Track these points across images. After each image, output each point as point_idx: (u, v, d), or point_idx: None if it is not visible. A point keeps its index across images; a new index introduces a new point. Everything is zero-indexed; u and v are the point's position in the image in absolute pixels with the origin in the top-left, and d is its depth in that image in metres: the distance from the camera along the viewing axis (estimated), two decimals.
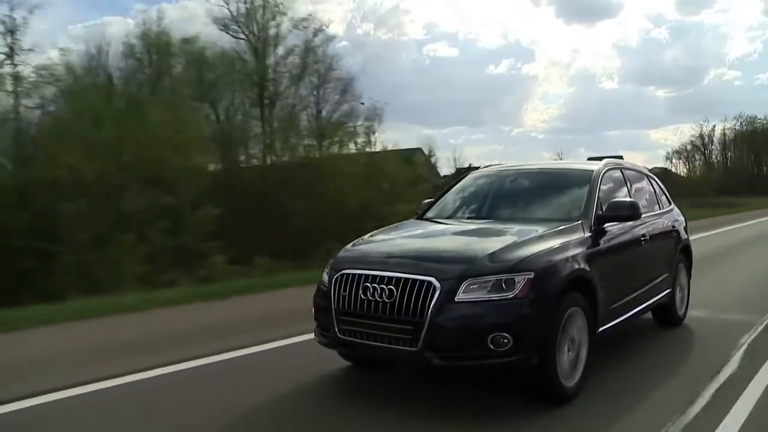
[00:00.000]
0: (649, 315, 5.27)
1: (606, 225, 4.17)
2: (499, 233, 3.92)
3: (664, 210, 5.56)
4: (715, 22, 65.35)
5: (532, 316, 3.27)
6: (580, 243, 3.80)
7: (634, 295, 4.51)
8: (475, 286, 3.27)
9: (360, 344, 3.53)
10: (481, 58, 55.86)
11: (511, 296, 3.24)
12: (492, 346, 3.19)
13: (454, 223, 4.51)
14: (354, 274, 3.58)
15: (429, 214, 4.83)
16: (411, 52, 46.28)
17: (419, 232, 4.31)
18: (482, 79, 44.76)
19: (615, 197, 4.51)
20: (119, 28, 33.72)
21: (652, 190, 5.54)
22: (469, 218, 4.56)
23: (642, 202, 5.04)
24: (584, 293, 3.68)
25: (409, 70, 45.65)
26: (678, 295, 5.52)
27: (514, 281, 3.26)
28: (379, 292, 3.42)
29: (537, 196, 4.60)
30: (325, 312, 3.71)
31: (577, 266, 3.62)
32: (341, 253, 3.97)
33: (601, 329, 3.93)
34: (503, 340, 3.19)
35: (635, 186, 5.09)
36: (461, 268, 3.33)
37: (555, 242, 3.64)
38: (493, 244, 3.57)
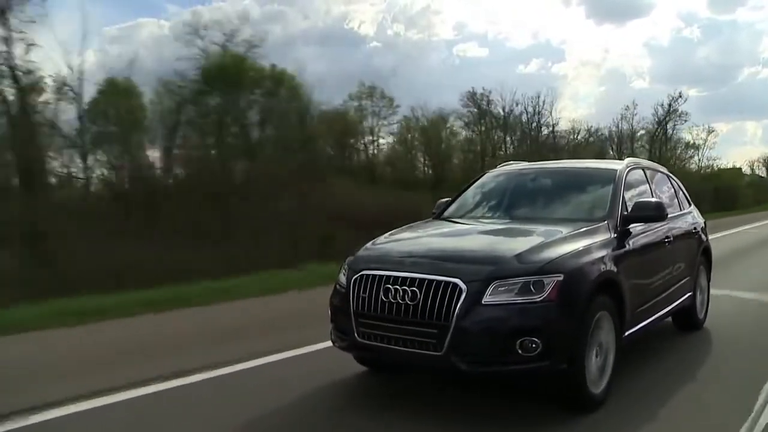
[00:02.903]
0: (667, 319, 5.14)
1: (630, 226, 4.05)
2: (524, 234, 3.79)
3: (685, 211, 5.44)
4: (749, 20, 64.51)
5: (562, 320, 3.14)
6: (607, 244, 3.68)
7: (659, 298, 4.39)
8: (502, 289, 3.14)
9: (381, 348, 3.39)
10: (510, 58, 55.87)
11: (540, 299, 3.11)
12: (520, 351, 3.07)
13: (475, 223, 4.38)
14: (374, 275, 3.44)
15: (446, 214, 4.70)
16: (441, 52, 46.40)
17: (441, 231, 4.19)
18: (512, 79, 44.76)
19: (638, 197, 4.39)
20: (152, 30, 34.06)
21: (673, 190, 5.42)
22: (489, 218, 4.43)
23: (664, 203, 4.94)
24: (612, 296, 3.55)
25: (439, 70, 45.69)
26: (698, 298, 5.40)
27: (543, 283, 3.14)
28: (401, 294, 3.29)
29: (559, 195, 4.47)
30: (342, 314, 3.58)
31: (605, 268, 3.50)
32: (360, 253, 3.83)
33: (627, 333, 3.81)
34: (532, 345, 3.06)
35: (657, 186, 4.98)
36: (488, 269, 3.21)
37: (582, 243, 3.52)
38: (520, 245, 3.44)
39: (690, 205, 5.73)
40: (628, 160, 4.75)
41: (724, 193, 34.40)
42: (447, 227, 4.30)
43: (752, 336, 5.23)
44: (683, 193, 5.70)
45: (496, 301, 3.12)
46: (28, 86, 13.60)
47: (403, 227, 4.40)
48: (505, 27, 59.22)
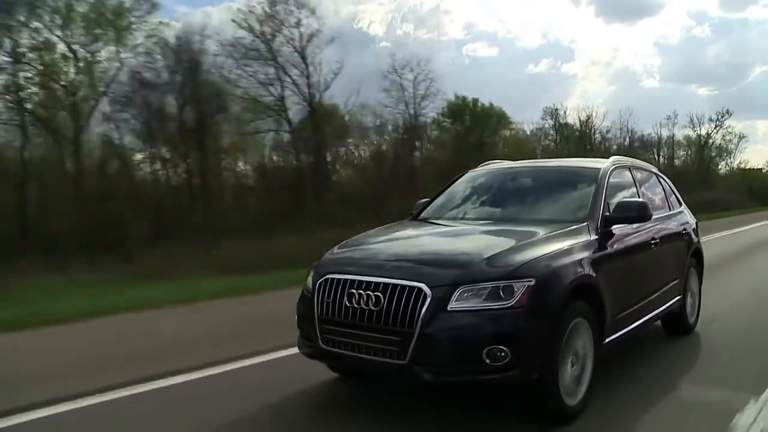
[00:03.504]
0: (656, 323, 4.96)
1: (614, 227, 3.86)
2: (497, 235, 3.61)
3: (675, 211, 5.25)
4: (761, 18, 64.30)
5: (533, 327, 2.96)
6: (586, 246, 3.50)
7: (645, 302, 4.20)
8: (469, 294, 2.96)
9: (344, 356, 3.23)
10: (520, 58, 55.90)
11: (509, 305, 2.93)
12: (488, 360, 2.89)
13: (450, 224, 4.20)
14: (339, 279, 3.28)
15: (424, 215, 4.52)
16: (451, 51, 46.30)
17: (412, 233, 4.01)
18: (522, 78, 44.68)
19: (623, 197, 4.21)
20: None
21: (662, 190, 5.23)
22: (466, 219, 4.25)
23: (651, 203, 4.75)
24: (590, 302, 3.37)
25: (449, 69, 45.66)
26: (689, 301, 5.21)
27: (513, 288, 2.96)
28: (365, 299, 3.12)
29: (539, 195, 4.28)
30: (308, 320, 3.42)
31: (582, 272, 3.32)
32: (326, 256, 3.68)
33: (608, 340, 3.63)
34: (500, 354, 2.89)
35: (644, 185, 4.79)
36: (455, 273, 3.03)
37: (558, 245, 3.34)
38: (491, 248, 3.25)
39: (681, 205, 5.54)
40: (613, 158, 4.56)
41: (759, 192, 41.01)
42: (420, 229, 4.12)
43: (747, 340, 5.04)
44: (674, 193, 5.52)
45: (463, 307, 2.94)
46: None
47: (378, 228, 4.23)
48: (515, 26, 59.29)
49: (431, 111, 25.82)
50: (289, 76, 19.98)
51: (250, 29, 19.27)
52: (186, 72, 17.66)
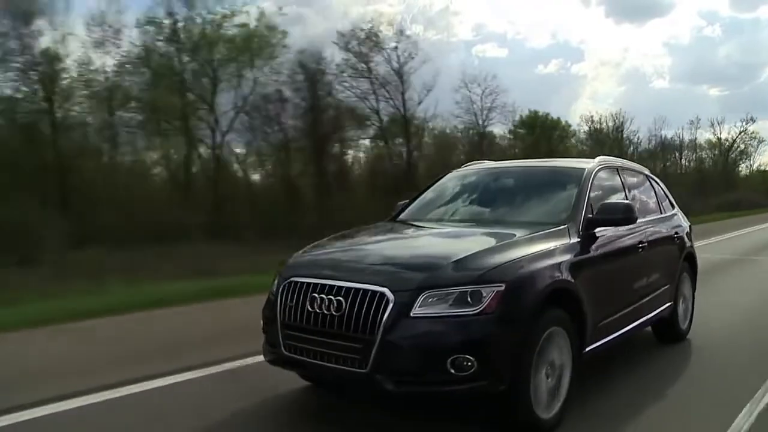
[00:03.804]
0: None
1: (597, 230, 3.68)
2: (471, 238, 3.44)
3: (667, 214, 5.06)
4: None
5: (502, 335, 2.78)
6: (565, 250, 3.32)
7: (630, 309, 4.01)
8: (434, 299, 2.79)
9: (306, 363, 3.07)
10: (530, 58, 55.78)
11: (476, 311, 2.76)
12: (453, 370, 2.71)
13: (426, 226, 4.03)
14: (301, 283, 3.12)
15: (403, 216, 4.35)
16: (460, 53, 46.20)
17: (384, 236, 3.83)
18: (531, 79, 44.52)
19: (608, 199, 4.03)
20: None
21: (653, 192, 5.04)
22: (444, 221, 4.07)
23: (640, 205, 4.57)
24: (568, 309, 3.19)
25: (459, 70, 45.71)
26: (681, 307, 5.01)
27: (481, 294, 2.78)
28: (326, 303, 2.96)
29: (521, 196, 4.11)
30: (272, 325, 3.26)
31: (559, 277, 3.13)
32: (292, 259, 3.51)
33: (588, 349, 3.44)
34: (466, 364, 2.71)
35: (633, 187, 4.61)
36: (420, 277, 2.86)
37: (534, 249, 3.16)
38: (461, 251, 3.08)
39: (674, 208, 5.35)
40: (599, 158, 4.38)
41: None
42: (394, 231, 3.95)
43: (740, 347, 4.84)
44: (666, 195, 5.33)
45: (427, 314, 2.77)
46: None
47: (351, 230, 4.07)
48: (524, 27, 58.93)
49: (497, 122, 28.57)
50: (386, 91, 22.59)
51: (352, 51, 22.12)
52: (310, 87, 20.24)
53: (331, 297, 2.95)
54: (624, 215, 3.71)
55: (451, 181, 4.55)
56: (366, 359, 2.79)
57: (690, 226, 5.49)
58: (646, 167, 5.43)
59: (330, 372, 2.97)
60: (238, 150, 19.58)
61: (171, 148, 18.17)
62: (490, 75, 29.27)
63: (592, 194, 3.85)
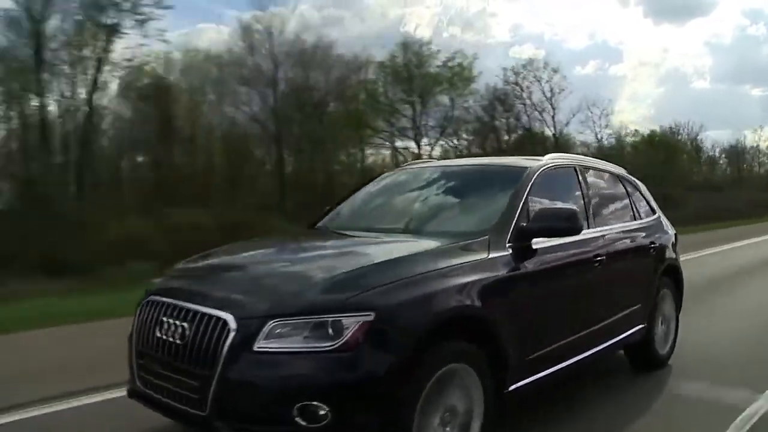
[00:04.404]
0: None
1: (534, 241, 3.04)
2: (366, 252, 2.83)
3: (643, 221, 4.36)
4: None
5: (368, 378, 2.19)
6: (477, 267, 2.68)
7: (580, 335, 3.35)
8: (285, 330, 2.21)
9: (155, 399, 2.54)
10: (567, 59, 55.04)
11: (333, 347, 2.17)
12: (301, 421, 2.13)
13: (328, 236, 3.45)
14: (156, 302, 2.62)
15: (321, 223, 3.76)
16: (497, 54, 45.65)
17: (271, 248, 3.25)
18: (569, 80, 43.94)
19: (558, 204, 3.39)
20: (212, 36, 34.65)
21: (626, 196, 4.34)
22: (353, 229, 3.45)
23: (604, 211, 3.91)
24: (478, 340, 2.58)
25: (495, 72, 45.57)
26: (659, 329, 4.32)
27: (342, 325, 2.19)
28: (173, 329, 2.43)
29: (450, 201, 3.48)
30: (130, 351, 2.75)
31: (461, 302, 2.52)
32: (165, 274, 2.98)
33: (513, 387, 2.81)
34: (318, 413, 2.13)
35: (597, 190, 3.93)
36: (269, 301, 2.29)
37: (431, 266, 2.54)
38: (337, 269, 2.49)
39: (654, 214, 4.64)
40: (552, 155, 3.73)
41: None
42: (288, 241, 3.41)
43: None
44: (646, 200, 4.62)
45: (272, 348, 2.20)
46: None
47: (247, 241, 3.56)
48: (562, 28, 57.72)
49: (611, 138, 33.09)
50: (538, 112, 28.75)
51: (510, 82, 28.24)
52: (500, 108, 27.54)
53: (178, 322, 2.43)
54: (567, 224, 3.05)
55: (379, 184, 3.95)
56: (205, 400, 2.26)
57: (675, 235, 4.78)
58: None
59: (172, 412, 2.46)
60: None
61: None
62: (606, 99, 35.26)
63: (535, 198, 3.22)
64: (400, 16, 45.51)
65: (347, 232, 3.37)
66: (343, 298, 2.24)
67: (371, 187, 3.95)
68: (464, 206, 3.37)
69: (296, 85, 20.25)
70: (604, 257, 3.55)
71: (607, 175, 4.26)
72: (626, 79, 52.52)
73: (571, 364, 3.28)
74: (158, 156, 16.83)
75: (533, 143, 26.97)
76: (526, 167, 3.40)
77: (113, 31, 14.60)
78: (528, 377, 2.91)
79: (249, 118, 19.71)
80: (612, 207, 4.10)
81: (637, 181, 4.72)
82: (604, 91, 51.84)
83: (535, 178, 3.31)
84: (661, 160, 32.19)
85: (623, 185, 4.39)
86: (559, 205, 3.34)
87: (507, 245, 2.90)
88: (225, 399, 2.22)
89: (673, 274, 4.56)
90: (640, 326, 4.03)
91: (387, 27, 37.53)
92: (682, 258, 4.72)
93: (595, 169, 4.12)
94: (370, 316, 2.20)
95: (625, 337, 3.86)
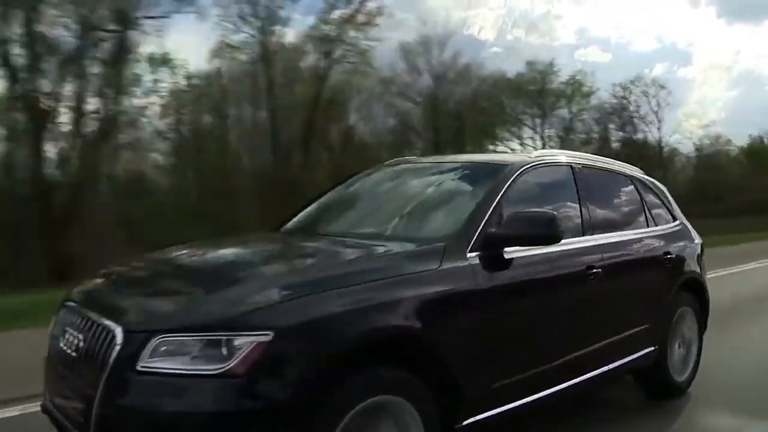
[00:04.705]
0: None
1: (510, 250, 2.62)
2: (283, 259, 2.52)
3: (658, 230, 3.82)
4: None
5: (262, 409, 1.84)
6: (419, 280, 2.28)
7: (565, 359, 2.88)
8: (171, 348, 1.89)
9: (55, 417, 2.29)
10: (634, 62, 53.67)
11: (221, 371, 1.83)
12: None
13: (271, 240, 3.13)
14: (67, 309, 2.39)
15: (290, 224, 3.44)
16: (562, 57, 44.80)
17: (195, 254, 2.87)
18: (672, 94, 42.94)
19: (540, 207, 2.93)
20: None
21: (639, 201, 3.82)
22: (307, 232, 3.13)
23: (606, 217, 3.43)
24: (416, 368, 2.19)
25: (560, 75, 45.53)
26: (676, 353, 3.78)
27: (233, 345, 1.85)
28: (71, 339, 2.19)
29: (418, 202, 3.07)
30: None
31: (388, 322, 2.13)
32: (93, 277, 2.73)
33: (471, 421, 2.40)
34: None
35: (598, 192, 3.44)
36: (156, 314, 1.99)
37: (358, 279, 2.16)
38: (240, 280, 2.18)
39: (675, 220, 4.09)
40: (542, 151, 3.30)
41: None
42: (225, 246, 3.06)
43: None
44: (665, 204, 4.08)
45: (156, 368, 1.88)
46: None
47: (207, 240, 3.25)
48: (628, 31, 56.16)
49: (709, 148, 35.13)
50: (644, 123, 31.84)
51: (617, 96, 31.65)
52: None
53: (75, 332, 2.19)
54: (543, 230, 2.61)
55: (354, 182, 3.58)
56: (88, 425, 1.97)
57: (701, 246, 4.21)
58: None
59: None
60: None
61: None
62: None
63: (512, 200, 2.79)
64: (464, 19, 45.69)
65: (293, 237, 3.05)
66: (236, 314, 1.90)
67: (343, 187, 3.60)
68: (433, 208, 2.97)
69: (438, 100, 23.79)
70: (600, 269, 3.07)
71: (615, 176, 3.76)
72: (695, 82, 50.28)
73: (555, 392, 2.82)
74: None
75: (643, 155, 28.65)
76: (506, 164, 2.97)
77: None
78: (492, 409, 2.49)
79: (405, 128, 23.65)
80: (618, 212, 3.61)
81: (657, 183, 4.18)
82: (673, 94, 50.09)
83: (515, 178, 2.88)
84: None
85: (636, 188, 3.87)
86: (536, 208, 2.85)
87: (468, 254, 2.49)
88: (104, 425, 1.92)
89: (696, 290, 3.99)
90: (650, 349, 3.51)
91: (450, 30, 37.52)
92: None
93: (599, 169, 3.63)
94: (267, 336, 1.85)
95: (629, 361, 3.36)
